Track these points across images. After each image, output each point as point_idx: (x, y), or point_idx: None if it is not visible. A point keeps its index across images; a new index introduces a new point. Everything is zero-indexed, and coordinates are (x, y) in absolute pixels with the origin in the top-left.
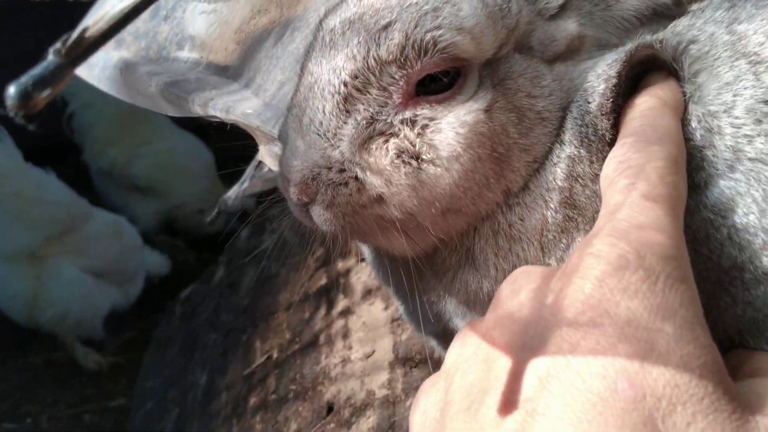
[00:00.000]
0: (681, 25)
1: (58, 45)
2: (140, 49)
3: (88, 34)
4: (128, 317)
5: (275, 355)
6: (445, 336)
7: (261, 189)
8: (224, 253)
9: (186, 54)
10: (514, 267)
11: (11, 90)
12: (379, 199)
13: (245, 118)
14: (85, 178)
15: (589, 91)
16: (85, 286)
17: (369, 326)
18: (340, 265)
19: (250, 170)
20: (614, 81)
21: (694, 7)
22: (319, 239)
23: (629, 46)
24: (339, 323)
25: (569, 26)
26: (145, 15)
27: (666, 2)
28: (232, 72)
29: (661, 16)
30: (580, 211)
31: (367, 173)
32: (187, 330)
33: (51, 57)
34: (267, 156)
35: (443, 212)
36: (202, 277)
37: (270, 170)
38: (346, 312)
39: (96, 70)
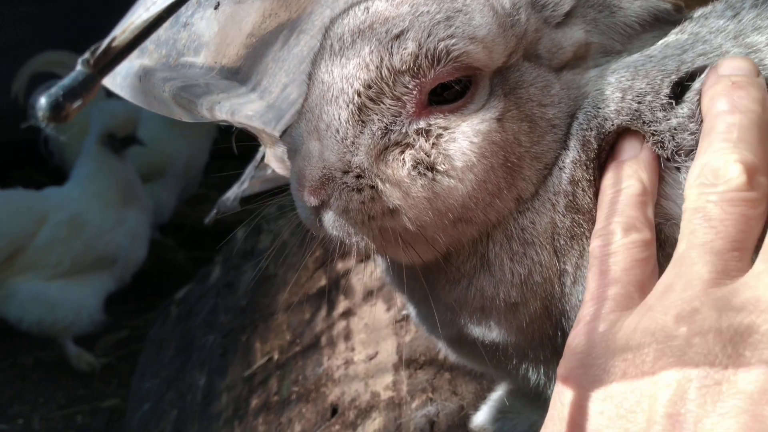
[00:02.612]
0: (686, 32)
1: (86, 55)
2: (161, 57)
3: (114, 44)
4: (119, 316)
5: (276, 357)
6: (460, 341)
7: (260, 189)
8: (220, 253)
9: (201, 59)
10: (530, 271)
11: (42, 101)
12: (393, 211)
13: (248, 120)
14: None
15: (599, 98)
16: (53, 296)
17: (371, 328)
18: (340, 266)
19: (249, 170)
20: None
21: (697, 13)
22: (321, 242)
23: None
24: (340, 325)
25: (575, 34)
26: (167, 23)
27: (667, 8)
28: (242, 76)
29: (663, 22)
30: (584, 216)
31: (386, 185)
32: (184, 331)
33: (79, 67)
34: (272, 158)
35: (454, 222)
36: (197, 277)
37: (270, 171)
38: (348, 313)
39: (119, 79)
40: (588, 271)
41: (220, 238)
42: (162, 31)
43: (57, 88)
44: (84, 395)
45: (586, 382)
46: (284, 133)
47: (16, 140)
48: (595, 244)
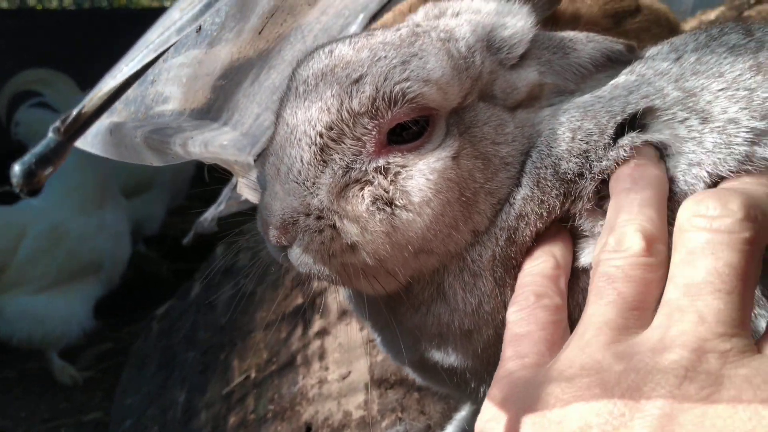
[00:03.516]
0: (635, 73)
1: (57, 123)
2: (130, 114)
3: (84, 110)
4: (103, 328)
5: (253, 375)
6: (422, 365)
7: (237, 210)
8: (200, 269)
9: (170, 107)
10: (480, 301)
11: (16, 169)
12: (353, 247)
13: (222, 150)
14: None
15: (551, 137)
16: (41, 309)
17: (345, 347)
18: (316, 284)
19: (226, 192)
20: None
21: (647, 53)
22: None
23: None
24: (315, 344)
25: (530, 75)
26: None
27: (620, 49)
28: (213, 114)
29: (615, 62)
30: (519, 250)
31: (345, 221)
32: (165, 347)
33: (51, 135)
34: (244, 188)
35: (416, 253)
36: (178, 293)
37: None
38: (323, 332)
39: (89, 138)
40: (505, 333)
41: (203, 250)
42: (130, 91)
43: (30, 156)
44: (67, 409)
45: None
46: (260, 156)
47: None
48: (510, 310)
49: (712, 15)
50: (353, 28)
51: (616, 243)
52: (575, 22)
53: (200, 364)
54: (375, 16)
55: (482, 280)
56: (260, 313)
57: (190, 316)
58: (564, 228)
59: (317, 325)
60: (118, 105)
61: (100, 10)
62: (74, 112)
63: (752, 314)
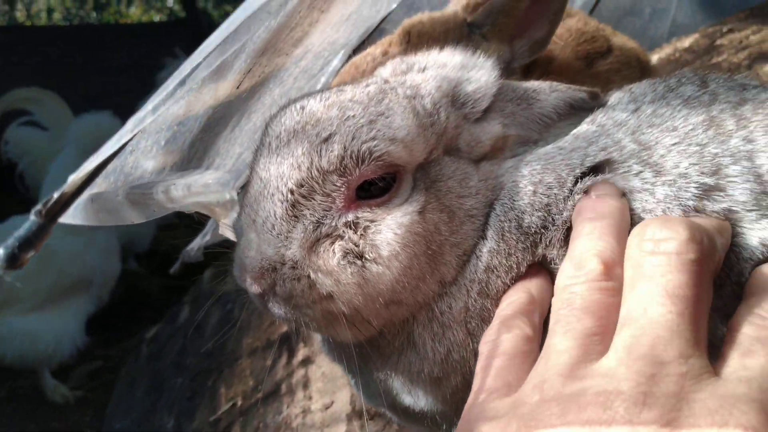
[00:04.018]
0: (595, 123)
1: (39, 207)
2: (109, 184)
3: (64, 191)
4: (93, 346)
5: (239, 403)
6: (395, 408)
7: (223, 239)
8: (188, 294)
9: (151, 164)
10: (449, 350)
11: (0, 252)
12: (329, 296)
13: (206, 188)
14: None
15: (514, 190)
16: (32, 328)
17: (328, 377)
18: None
19: (211, 223)
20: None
21: (610, 100)
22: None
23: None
24: (299, 372)
25: (493, 128)
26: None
27: (582, 97)
28: (194, 164)
29: (578, 109)
30: (494, 301)
31: (318, 274)
32: (154, 371)
33: (32, 218)
34: (226, 229)
35: (386, 304)
36: (166, 317)
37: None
38: (306, 361)
39: (70, 210)
40: (477, 365)
41: (192, 267)
42: (109, 166)
43: (13, 240)
44: (58, 428)
45: None
46: (242, 188)
47: None
48: (481, 343)
49: (686, 42)
50: (335, 63)
51: (575, 268)
52: (549, 63)
53: (188, 390)
54: (356, 50)
55: (452, 331)
56: (246, 340)
57: (179, 340)
58: (540, 265)
59: (301, 353)
60: (98, 179)
61: (90, 25)
62: (55, 196)
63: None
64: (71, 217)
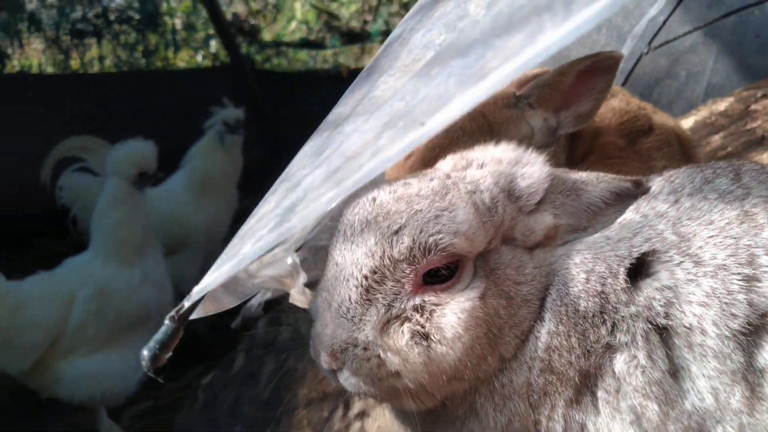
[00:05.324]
0: (639, 212)
1: (173, 313)
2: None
3: (194, 297)
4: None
5: None
6: None
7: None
8: (243, 342)
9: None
10: (510, 419)
11: (144, 353)
12: (396, 374)
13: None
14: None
15: (567, 277)
16: (98, 369)
17: (383, 430)
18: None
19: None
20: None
21: (653, 187)
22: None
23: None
24: (356, 425)
25: (546, 219)
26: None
27: (627, 186)
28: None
29: (624, 197)
30: (558, 377)
31: (388, 354)
32: (210, 419)
33: (167, 322)
34: (296, 295)
35: (449, 380)
36: (221, 364)
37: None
38: (362, 414)
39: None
40: None
41: (236, 309)
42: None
43: (154, 343)
44: None
45: None
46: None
47: (39, 212)
48: None
49: (721, 106)
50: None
51: None
52: (594, 138)
53: None
54: None
55: (513, 403)
56: (302, 390)
57: (234, 388)
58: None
59: (357, 406)
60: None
61: (139, 72)
62: (186, 304)
63: None
64: (197, 312)
